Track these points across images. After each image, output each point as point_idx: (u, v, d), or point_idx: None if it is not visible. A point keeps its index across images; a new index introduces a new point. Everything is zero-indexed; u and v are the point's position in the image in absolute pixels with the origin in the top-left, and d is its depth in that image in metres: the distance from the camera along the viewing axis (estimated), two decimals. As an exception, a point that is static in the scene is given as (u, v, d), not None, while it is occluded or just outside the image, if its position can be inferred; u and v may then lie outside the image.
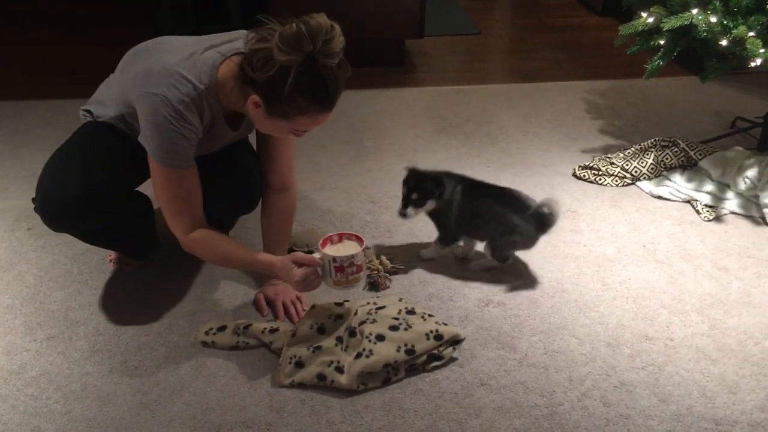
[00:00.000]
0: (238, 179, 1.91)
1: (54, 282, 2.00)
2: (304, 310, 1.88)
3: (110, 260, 2.06)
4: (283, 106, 1.56)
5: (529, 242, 2.01)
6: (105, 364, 1.72)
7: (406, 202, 1.99)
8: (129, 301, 1.93)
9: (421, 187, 1.98)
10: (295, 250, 2.06)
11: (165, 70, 1.60)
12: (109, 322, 1.85)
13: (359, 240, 1.71)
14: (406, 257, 2.12)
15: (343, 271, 1.65)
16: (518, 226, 1.96)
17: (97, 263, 2.07)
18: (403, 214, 2.00)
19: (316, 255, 1.67)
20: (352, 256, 1.64)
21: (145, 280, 2.00)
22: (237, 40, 1.68)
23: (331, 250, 1.68)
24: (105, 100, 1.79)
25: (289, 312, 1.88)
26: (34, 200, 1.75)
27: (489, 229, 2.01)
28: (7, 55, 3.64)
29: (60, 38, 3.85)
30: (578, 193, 2.46)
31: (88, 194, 1.69)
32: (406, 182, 1.99)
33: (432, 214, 2.06)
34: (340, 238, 1.73)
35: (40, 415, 1.58)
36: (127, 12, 4.19)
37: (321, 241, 1.70)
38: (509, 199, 2.01)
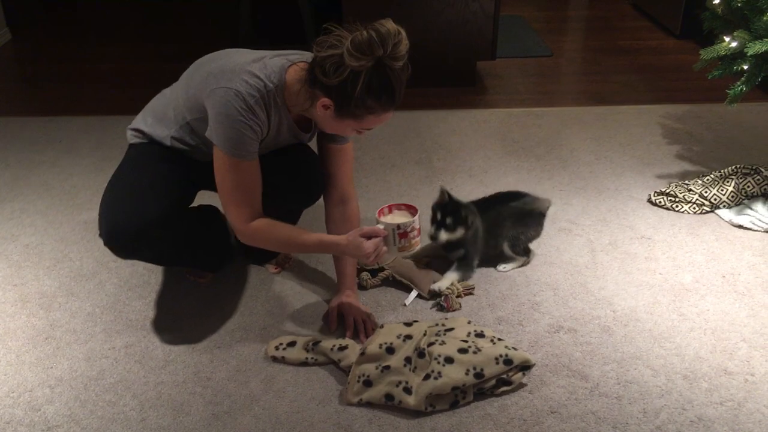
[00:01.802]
0: (301, 174, 1.96)
1: (133, 292, 2.07)
2: (373, 329, 1.89)
3: (186, 273, 2.12)
4: (353, 108, 1.63)
5: (539, 228, 2.17)
6: (179, 374, 1.77)
7: (440, 225, 2.00)
8: (203, 313, 1.98)
9: (456, 213, 1.99)
10: (367, 279, 2.10)
11: (237, 68, 1.70)
12: (184, 333, 1.90)
13: (408, 207, 1.83)
14: (474, 279, 2.10)
15: (406, 236, 1.76)
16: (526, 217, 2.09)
17: (174, 274, 2.13)
18: (435, 237, 2.01)
19: (379, 226, 1.76)
20: (413, 221, 1.76)
21: (219, 293, 2.05)
22: (301, 53, 1.78)
23: (388, 220, 1.79)
24: (163, 114, 1.86)
25: (358, 329, 1.90)
26: (100, 234, 1.80)
27: (505, 232, 2.10)
28: (93, 71, 3.81)
29: (142, 53, 4.01)
30: (653, 220, 2.40)
31: (152, 222, 1.75)
32: (440, 205, 2.00)
33: (457, 244, 2.05)
34: (390, 209, 1.85)
35: (117, 422, 1.63)
36: (206, 28, 4.33)
37: (377, 213, 1.81)
38: (507, 197, 2.14)
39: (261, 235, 1.77)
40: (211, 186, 1.88)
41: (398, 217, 1.82)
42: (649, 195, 2.52)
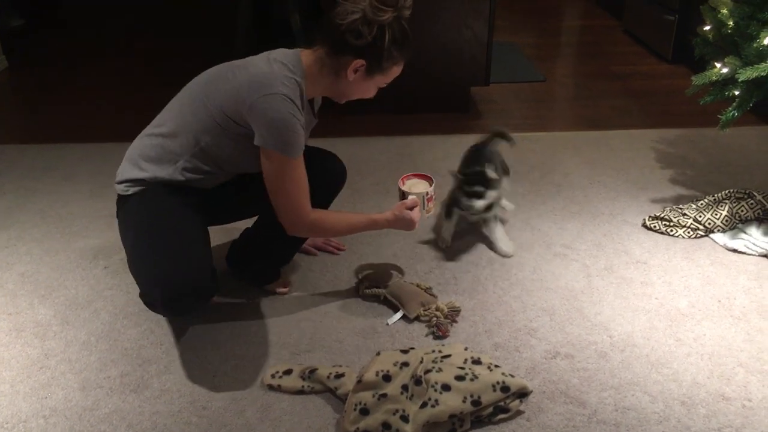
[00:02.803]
0: (327, 167, 2.11)
1: (128, 320, 2.06)
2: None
3: None
4: (384, 62, 1.80)
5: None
6: (174, 404, 1.75)
7: (471, 196, 2.22)
8: (199, 341, 1.97)
9: (481, 179, 2.23)
10: (365, 291, 2.14)
11: (266, 74, 1.77)
12: (179, 362, 1.89)
13: (417, 176, 2.13)
14: (470, 305, 2.10)
15: (431, 200, 2.08)
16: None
17: (169, 303, 2.12)
18: (469, 207, 2.25)
19: (410, 197, 2.04)
20: (432, 187, 2.08)
21: (214, 321, 2.04)
22: (283, 49, 1.88)
23: (416, 186, 2.09)
24: (160, 153, 1.85)
25: (331, 245, 2.32)
26: (144, 296, 1.84)
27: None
28: (90, 98, 3.83)
29: (140, 81, 4.03)
30: (648, 244, 2.41)
31: (207, 274, 1.81)
32: (463, 181, 2.25)
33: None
34: (403, 181, 2.11)
35: (112, 452, 1.62)
36: (203, 52, 4.36)
37: (402, 179, 2.11)
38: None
39: (321, 224, 1.91)
40: (214, 216, 1.91)
41: (417, 186, 2.09)
42: (644, 219, 2.53)
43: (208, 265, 1.83)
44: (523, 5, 5.54)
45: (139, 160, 1.89)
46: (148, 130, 1.94)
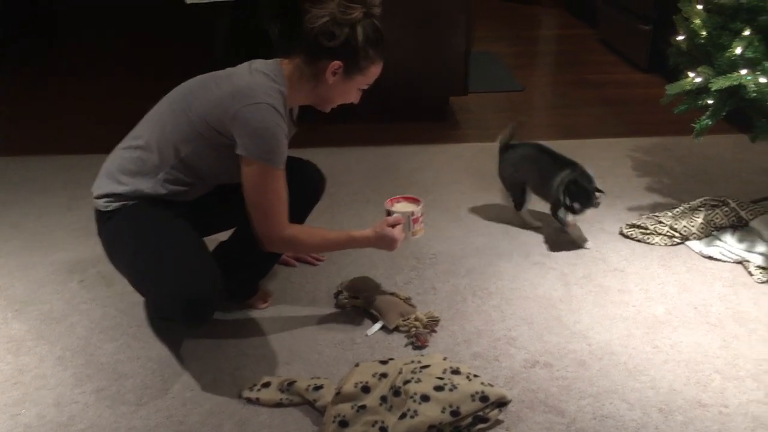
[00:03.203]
0: (305, 176, 2.11)
1: (104, 334, 2.03)
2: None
3: None
4: (361, 60, 1.80)
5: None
6: (151, 419, 1.73)
7: (568, 209, 2.35)
8: (175, 355, 1.95)
9: (581, 193, 2.32)
10: (344, 301, 2.13)
11: (249, 84, 1.77)
12: (156, 376, 1.87)
13: (406, 198, 2.04)
14: (449, 314, 2.10)
15: (418, 222, 1.99)
16: None
17: (145, 316, 2.10)
18: (562, 221, 2.42)
19: (395, 214, 1.96)
20: (420, 209, 2.00)
21: (192, 334, 2.02)
22: (262, 60, 1.89)
23: (402, 207, 2.01)
24: (140, 166, 1.84)
25: (310, 257, 2.26)
26: (160, 311, 1.88)
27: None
28: (64, 110, 3.79)
29: (112, 90, 4.00)
30: (626, 252, 2.43)
31: (218, 275, 1.81)
32: (568, 191, 2.35)
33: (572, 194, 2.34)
34: (392, 203, 2.02)
35: (87, 469, 1.59)
36: (181, 62, 4.34)
37: (389, 200, 2.02)
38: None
39: (297, 240, 1.87)
40: (197, 225, 1.91)
41: (405, 208, 2.00)
42: (621, 227, 2.55)
43: (216, 267, 1.83)
44: (501, 15, 5.59)
45: (118, 173, 1.86)
46: (125, 142, 1.92)
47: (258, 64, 1.86)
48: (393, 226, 1.94)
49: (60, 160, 3.14)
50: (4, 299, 2.19)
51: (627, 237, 2.51)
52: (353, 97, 1.93)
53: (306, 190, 2.11)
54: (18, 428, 1.70)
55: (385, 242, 1.94)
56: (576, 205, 2.27)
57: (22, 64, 4.61)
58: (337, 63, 1.80)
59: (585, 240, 2.43)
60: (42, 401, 1.79)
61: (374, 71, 1.87)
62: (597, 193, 2.26)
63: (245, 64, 1.88)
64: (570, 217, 2.38)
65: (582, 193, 2.28)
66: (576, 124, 3.58)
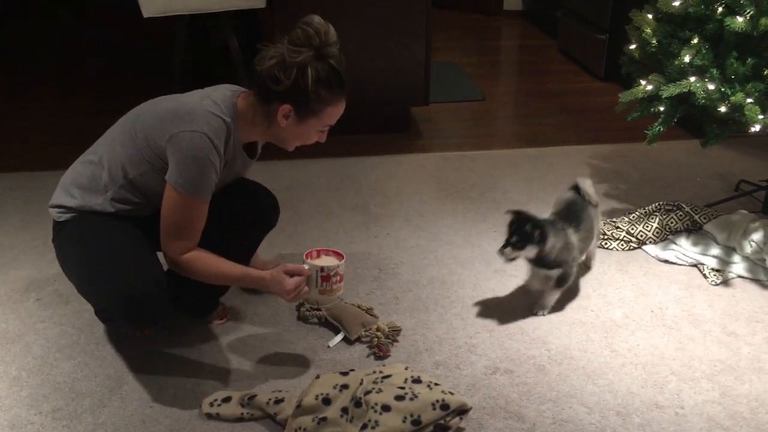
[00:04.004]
0: (258, 204, 2.05)
1: (61, 353, 2.00)
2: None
3: (128, 329, 2.06)
4: (312, 104, 1.74)
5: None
6: (109, 438, 1.71)
7: (506, 243, 2.06)
8: (133, 371, 1.93)
9: (521, 232, 2.03)
10: (306, 312, 2.13)
11: (192, 110, 1.75)
12: (114, 394, 1.85)
13: (336, 254, 1.88)
14: (411, 324, 2.11)
15: (328, 280, 1.81)
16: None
17: (103, 333, 2.07)
18: (500, 252, 2.07)
19: (305, 266, 1.80)
20: (337, 266, 1.82)
21: (151, 351, 2.00)
22: (228, 85, 1.87)
23: (315, 262, 1.83)
24: (91, 181, 1.84)
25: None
26: (102, 312, 1.87)
27: (596, 233, 2.29)
28: (19, 126, 3.73)
29: (71, 107, 3.95)
30: (584, 258, 2.46)
31: (161, 276, 1.80)
32: (509, 225, 2.07)
33: (551, 262, 2.08)
34: (319, 253, 1.88)
35: (43, 491, 1.56)
36: (140, 79, 4.31)
37: (304, 255, 1.84)
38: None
39: (192, 266, 1.80)
40: (151, 236, 1.87)
41: (325, 261, 1.85)
42: (580, 234, 2.59)
43: (161, 269, 1.82)
44: (461, 25, 5.64)
45: (71, 186, 1.87)
46: (82, 157, 1.92)
47: (216, 92, 1.83)
48: (293, 275, 1.78)
49: (10, 178, 3.08)
50: (-42, 320, 2.15)
51: (586, 243, 2.54)
52: (313, 138, 1.86)
53: (257, 219, 2.07)
54: (-29, 452, 1.67)
55: (278, 289, 1.79)
56: (513, 239, 2.04)
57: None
58: (286, 107, 1.75)
59: (541, 308, 2.17)
60: (-4, 423, 1.75)
61: (331, 112, 1.80)
62: (535, 231, 2.02)
63: (205, 90, 1.86)
64: (529, 274, 2.19)
65: (520, 230, 2.04)
66: (537, 132, 3.63)
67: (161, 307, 1.79)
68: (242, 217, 1.99)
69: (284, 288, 1.77)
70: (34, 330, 2.10)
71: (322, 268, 1.80)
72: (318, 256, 1.87)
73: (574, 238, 2.12)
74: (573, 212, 2.18)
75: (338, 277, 1.83)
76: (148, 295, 1.74)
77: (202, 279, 1.84)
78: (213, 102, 1.78)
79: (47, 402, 1.82)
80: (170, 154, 1.73)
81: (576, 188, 2.27)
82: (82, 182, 1.85)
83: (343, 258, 1.86)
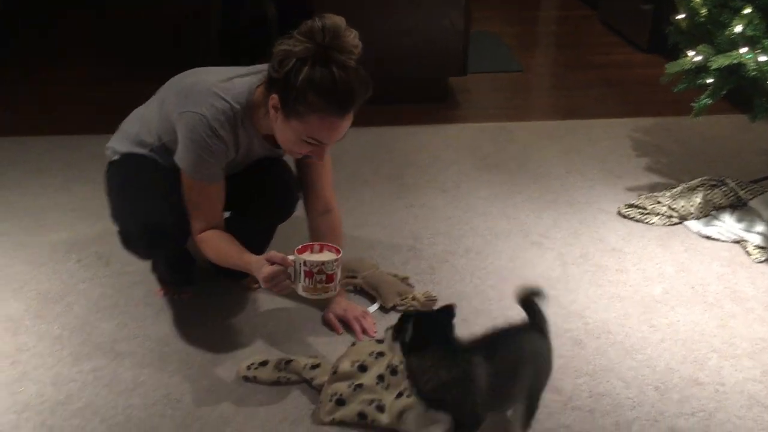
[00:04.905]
0: (271, 192, 1.98)
1: (101, 313, 2.03)
2: (373, 323, 1.95)
3: (161, 292, 2.09)
4: (296, 103, 1.60)
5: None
6: (149, 397, 1.74)
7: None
8: (173, 334, 1.95)
9: (400, 325, 1.48)
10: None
11: (205, 89, 1.73)
12: (153, 355, 1.87)
13: (338, 253, 1.70)
14: (447, 294, 2.10)
15: (312, 277, 1.64)
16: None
17: (143, 296, 2.10)
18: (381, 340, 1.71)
19: (290, 257, 1.68)
20: (323, 263, 1.64)
21: (190, 314, 2.03)
22: (263, 70, 1.77)
23: (310, 257, 1.68)
24: (136, 137, 1.89)
25: (363, 326, 1.92)
26: (123, 233, 1.86)
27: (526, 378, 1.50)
28: (59, 91, 3.77)
29: (110, 74, 3.98)
30: (623, 232, 2.42)
31: (182, 216, 1.81)
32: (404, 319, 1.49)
33: (443, 401, 1.43)
34: (321, 248, 1.72)
35: (85, 447, 1.60)
36: (174, 50, 4.32)
37: (300, 247, 1.70)
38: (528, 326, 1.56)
39: (204, 246, 1.83)
40: None
41: (315, 256, 1.68)
42: (619, 207, 2.54)
43: (180, 206, 1.81)
44: (501, -5, 5.54)
45: (123, 134, 1.94)
46: (138, 109, 1.97)
47: (242, 74, 1.77)
48: (274, 263, 1.67)
49: (50, 141, 3.12)
50: (2, 279, 2.19)
51: (625, 217, 2.50)
52: (297, 147, 1.70)
53: (269, 210, 2.02)
54: (17, 406, 1.71)
55: (257, 276, 1.70)
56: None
57: (23, 45, 4.58)
58: (275, 97, 1.64)
59: None
60: (40, 380, 1.79)
61: (318, 124, 1.62)
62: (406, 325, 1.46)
63: (233, 69, 1.81)
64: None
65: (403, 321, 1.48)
66: (575, 104, 3.57)
67: (172, 239, 1.83)
68: (254, 205, 1.98)
69: (260, 275, 1.68)
70: (76, 291, 2.13)
71: (305, 262, 1.64)
72: (321, 250, 1.71)
73: (481, 372, 1.42)
74: (498, 337, 1.51)
75: (324, 276, 1.64)
76: (160, 224, 1.78)
77: (210, 258, 1.85)
78: (231, 85, 1.73)
79: (88, 361, 1.86)
80: (177, 132, 1.76)
81: (526, 300, 1.58)
82: (131, 135, 1.91)
83: (339, 258, 1.67)
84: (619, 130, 3.22)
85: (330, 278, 1.66)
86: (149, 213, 1.79)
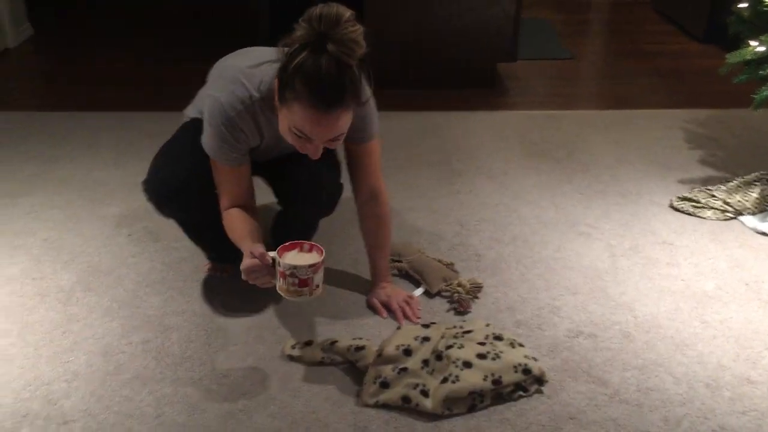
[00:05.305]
0: (309, 181, 1.90)
1: (150, 288, 2.06)
2: (418, 308, 1.95)
3: (207, 268, 2.12)
4: (287, 88, 1.54)
5: None
6: (195, 371, 1.76)
7: None
8: (220, 310, 1.97)
9: None
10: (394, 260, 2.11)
11: (231, 75, 1.72)
12: (200, 330, 1.90)
13: (321, 255, 1.62)
14: (492, 282, 2.08)
15: (285, 278, 1.59)
16: None
17: (191, 272, 2.13)
18: None
19: (271, 253, 1.62)
20: (295, 267, 1.57)
21: (236, 291, 2.04)
22: None
23: (289, 257, 1.62)
24: (196, 105, 1.94)
25: (406, 313, 1.93)
26: (145, 183, 1.88)
27: None
28: (112, 69, 3.83)
29: (161, 54, 4.02)
30: (675, 225, 2.37)
31: (195, 178, 1.82)
32: None
33: None
34: (311, 248, 1.64)
35: (133, 417, 1.63)
36: (225, 30, 4.34)
37: (289, 244, 1.64)
38: None
39: (224, 222, 1.84)
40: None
41: (295, 258, 1.62)
42: (671, 200, 2.49)
43: (199, 169, 1.81)
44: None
45: (195, 105, 1.95)
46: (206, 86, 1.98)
47: (274, 57, 1.67)
48: (253, 257, 1.63)
49: (104, 117, 3.17)
50: (54, 251, 2.24)
51: (677, 210, 2.45)
52: (290, 138, 1.62)
53: (306, 203, 1.95)
54: (67, 375, 1.75)
55: (241, 266, 1.66)
56: None
57: (66, 22, 4.66)
58: (276, 81, 1.60)
59: None
60: (90, 350, 1.83)
61: (299, 114, 1.54)
62: None
63: (272, 51, 1.70)
64: None
65: None
66: (626, 93, 3.49)
67: (181, 203, 1.85)
68: (290, 199, 1.99)
69: (243, 265, 1.64)
70: (126, 264, 2.17)
71: (279, 263, 1.58)
72: (310, 250, 1.64)
73: None
74: None
75: (296, 280, 1.58)
76: (173, 185, 1.81)
77: (230, 238, 1.81)
78: (258, 71, 1.69)
79: (137, 333, 1.89)
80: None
81: None
82: (199, 107, 1.90)
83: (316, 264, 1.59)
84: (671, 121, 3.14)
85: (303, 282, 1.59)
86: (167, 172, 1.84)
